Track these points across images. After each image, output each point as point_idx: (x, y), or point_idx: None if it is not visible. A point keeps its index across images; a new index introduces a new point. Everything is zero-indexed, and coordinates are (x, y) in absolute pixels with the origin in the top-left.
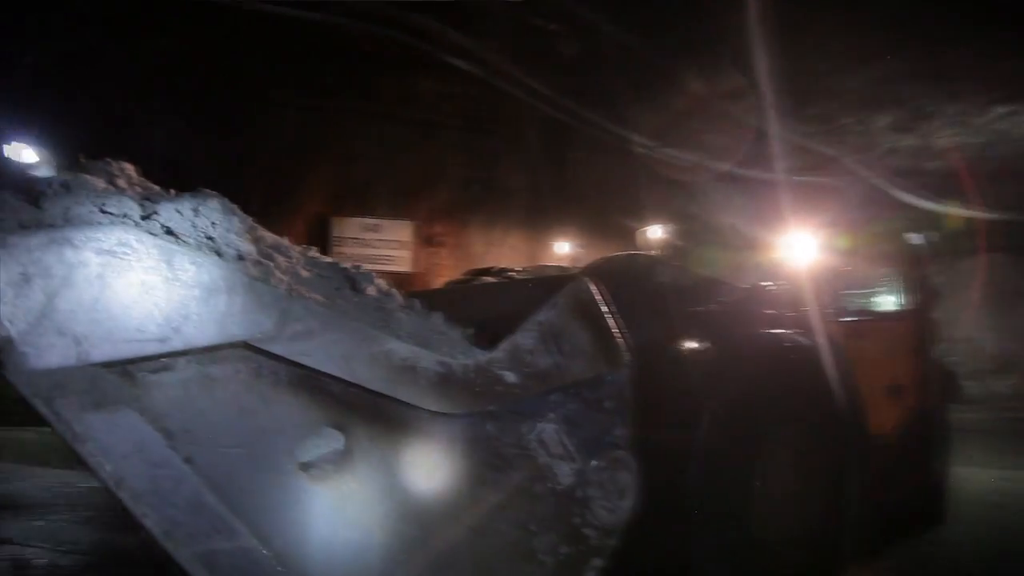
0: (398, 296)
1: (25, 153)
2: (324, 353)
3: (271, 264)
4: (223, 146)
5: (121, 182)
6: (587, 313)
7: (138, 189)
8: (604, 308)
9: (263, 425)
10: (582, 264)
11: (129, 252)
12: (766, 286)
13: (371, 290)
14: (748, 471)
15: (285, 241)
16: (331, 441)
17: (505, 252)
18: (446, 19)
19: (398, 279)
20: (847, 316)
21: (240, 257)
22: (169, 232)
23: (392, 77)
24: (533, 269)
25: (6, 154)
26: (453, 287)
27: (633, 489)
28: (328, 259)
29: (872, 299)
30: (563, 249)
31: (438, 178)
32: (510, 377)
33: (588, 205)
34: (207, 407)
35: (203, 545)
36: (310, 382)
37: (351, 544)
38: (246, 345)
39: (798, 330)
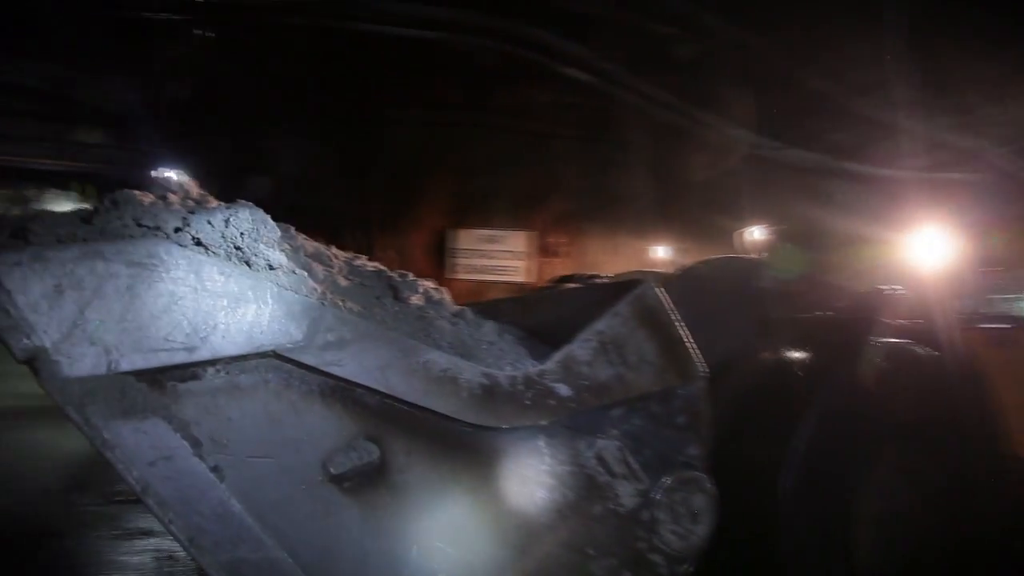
0: (449, 305)
1: (172, 177)
2: (357, 363)
3: (305, 274)
4: (346, 164)
5: (173, 196)
6: (654, 321)
7: (190, 203)
8: (673, 315)
9: (293, 435)
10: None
11: (158, 264)
12: (887, 290)
13: (415, 299)
14: (851, 493)
15: (331, 249)
16: (364, 453)
17: (622, 260)
18: (560, 30)
19: (515, 289)
20: (990, 322)
21: (270, 267)
22: (198, 243)
23: (507, 90)
24: (625, 275)
25: (157, 179)
26: (522, 296)
27: (709, 513)
28: (373, 267)
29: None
30: (662, 253)
31: (554, 188)
32: (563, 390)
33: (702, 210)
34: (235, 416)
35: (228, 554)
36: (343, 393)
37: (384, 561)
38: (275, 355)
39: (920, 338)
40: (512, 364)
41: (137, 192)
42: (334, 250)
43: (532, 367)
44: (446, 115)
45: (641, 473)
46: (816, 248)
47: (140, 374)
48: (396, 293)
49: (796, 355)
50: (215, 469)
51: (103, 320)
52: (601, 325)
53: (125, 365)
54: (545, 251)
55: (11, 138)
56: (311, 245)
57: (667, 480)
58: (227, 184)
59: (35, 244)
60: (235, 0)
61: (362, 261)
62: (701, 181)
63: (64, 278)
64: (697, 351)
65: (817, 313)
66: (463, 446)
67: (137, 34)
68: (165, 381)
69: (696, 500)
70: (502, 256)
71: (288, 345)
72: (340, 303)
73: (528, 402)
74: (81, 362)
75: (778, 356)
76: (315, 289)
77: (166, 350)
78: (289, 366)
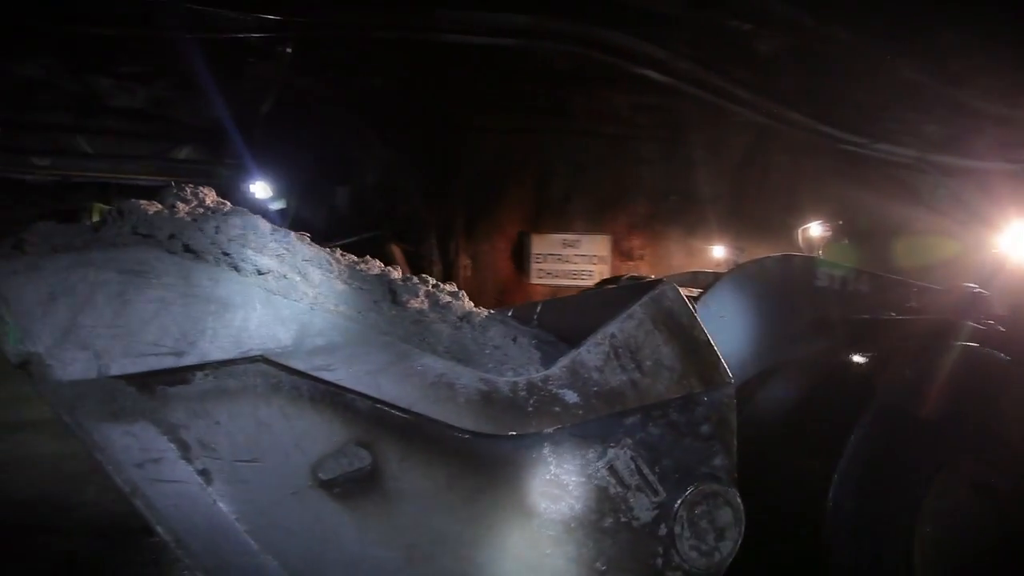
0: (457, 308)
1: (261, 189)
2: (347, 368)
3: (298, 278)
4: (429, 172)
5: (182, 205)
6: (673, 323)
7: (200, 211)
8: (695, 318)
9: (282, 440)
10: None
11: (148, 271)
12: (966, 290)
13: (414, 302)
14: (907, 516)
15: (334, 254)
16: (355, 459)
17: (699, 263)
18: (637, 32)
19: None
20: None
21: (259, 272)
22: (188, 250)
23: (586, 94)
24: (679, 276)
25: (249, 191)
26: (555, 300)
27: (736, 529)
28: (377, 271)
29: None
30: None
31: (635, 191)
32: (570, 396)
33: (783, 210)
34: (224, 420)
35: (216, 558)
36: (333, 398)
37: (376, 570)
38: (264, 359)
39: (999, 341)
40: (515, 369)
41: (144, 202)
42: (338, 254)
43: (536, 372)
44: (526, 121)
45: (658, 485)
46: (882, 245)
47: (130, 378)
48: (394, 297)
49: (855, 358)
50: (203, 472)
51: (94, 326)
52: (613, 328)
53: (115, 369)
54: (623, 255)
55: (119, 157)
56: (310, 250)
57: (688, 493)
58: (314, 194)
59: (31, 254)
60: (321, 19)
61: (366, 265)
62: (783, 180)
63: (57, 286)
64: (721, 356)
65: (883, 314)
66: (461, 454)
67: (230, 54)
68: (154, 385)
69: (721, 515)
70: (580, 260)
71: (277, 350)
72: (332, 308)
73: (531, 409)
74: (72, 366)
75: (835, 359)
76: (306, 294)
77: (155, 355)
78: (278, 371)
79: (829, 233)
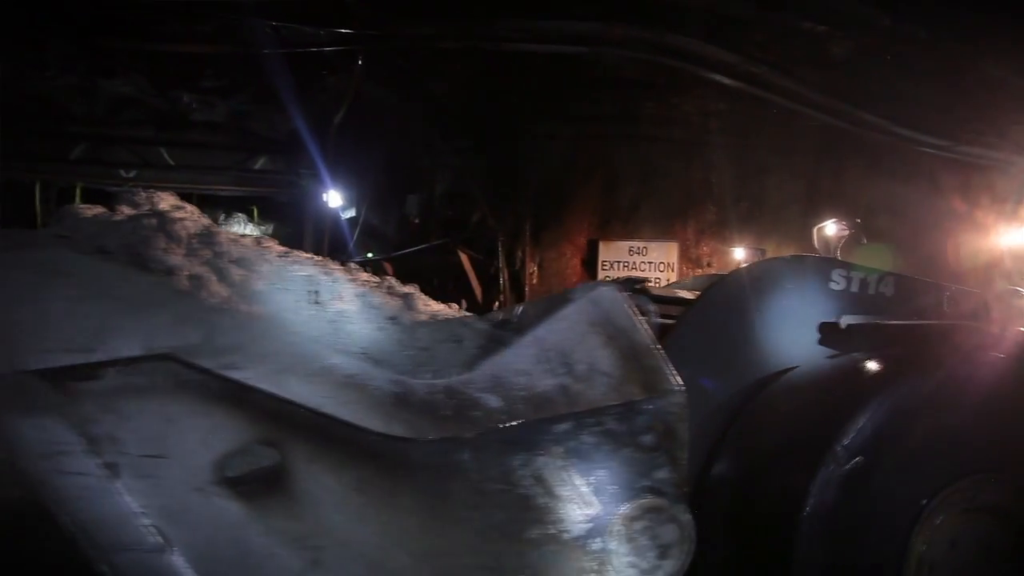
0: (388, 309)
1: (333, 198)
2: (255, 367)
3: (212, 278)
4: (497, 180)
5: (124, 208)
6: (611, 327)
7: (143, 215)
8: (636, 322)
9: (189, 436)
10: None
11: (62, 270)
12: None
13: (335, 303)
14: (897, 547)
15: (269, 254)
16: (261, 458)
17: None
18: (706, 36)
19: None
20: None
21: (168, 272)
22: (101, 251)
23: (654, 100)
24: (691, 280)
25: (324, 200)
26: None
27: (683, 548)
28: (309, 272)
29: None
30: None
31: (704, 197)
32: (492, 401)
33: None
34: (132, 416)
35: (120, 553)
36: (240, 396)
37: (280, 570)
38: (171, 357)
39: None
40: (435, 372)
41: (83, 206)
42: (273, 254)
43: (456, 376)
44: (593, 128)
45: (591, 497)
46: (905, 245)
47: (41, 373)
48: (316, 297)
49: (863, 365)
50: (110, 466)
51: (8, 322)
52: (542, 331)
53: (28, 365)
54: (691, 262)
55: (199, 168)
56: (239, 250)
57: (626, 507)
58: (384, 203)
59: None
60: (391, 31)
61: (300, 266)
62: (857, 184)
63: None
64: (667, 363)
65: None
66: (373, 456)
67: (305, 68)
68: (65, 381)
69: (665, 531)
70: (648, 268)
71: (184, 348)
72: (244, 307)
73: (448, 413)
74: None
75: (837, 367)
76: (218, 293)
77: (65, 351)
78: (186, 368)
79: (846, 232)
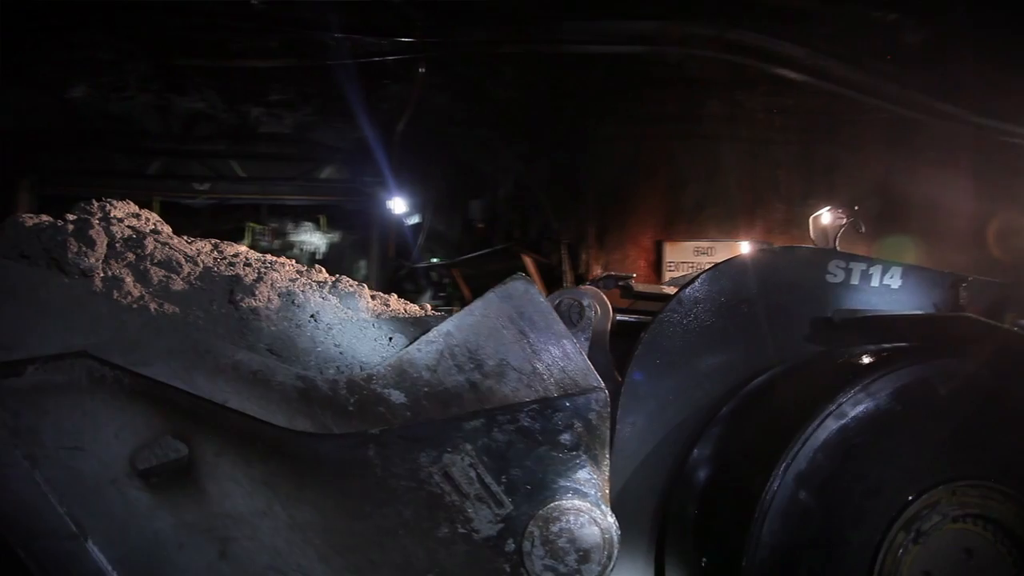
0: (309, 306)
1: (399, 204)
2: (163, 363)
3: (128, 279)
4: (560, 183)
5: (70, 217)
6: (524, 321)
7: (93, 224)
8: (552, 316)
9: (104, 430)
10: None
11: None
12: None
13: (248, 301)
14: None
15: (196, 256)
16: (170, 451)
17: None
18: (772, 30)
19: None
20: None
21: (83, 274)
22: (23, 255)
23: (717, 98)
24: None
25: (389, 207)
26: None
27: (605, 552)
28: (229, 274)
29: None
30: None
31: (771, 195)
32: (397, 396)
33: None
34: (51, 409)
35: (39, 542)
36: (151, 391)
37: (189, 561)
38: (86, 354)
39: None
40: (339, 367)
41: (27, 216)
42: (202, 257)
43: (359, 371)
44: (656, 128)
45: (503, 496)
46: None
47: None
48: (231, 296)
49: (856, 360)
50: (30, 458)
51: None
52: (448, 326)
53: None
54: None
55: (268, 179)
56: (164, 252)
57: (542, 507)
58: (448, 208)
59: None
60: (452, 38)
61: (223, 268)
62: (931, 177)
63: None
64: (586, 359)
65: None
66: (278, 450)
67: (368, 77)
68: None
69: (585, 534)
70: None
71: (98, 345)
72: (155, 306)
73: (351, 408)
74: None
75: (817, 364)
76: (131, 294)
77: None
78: (100, 365)
79: (843, 220)
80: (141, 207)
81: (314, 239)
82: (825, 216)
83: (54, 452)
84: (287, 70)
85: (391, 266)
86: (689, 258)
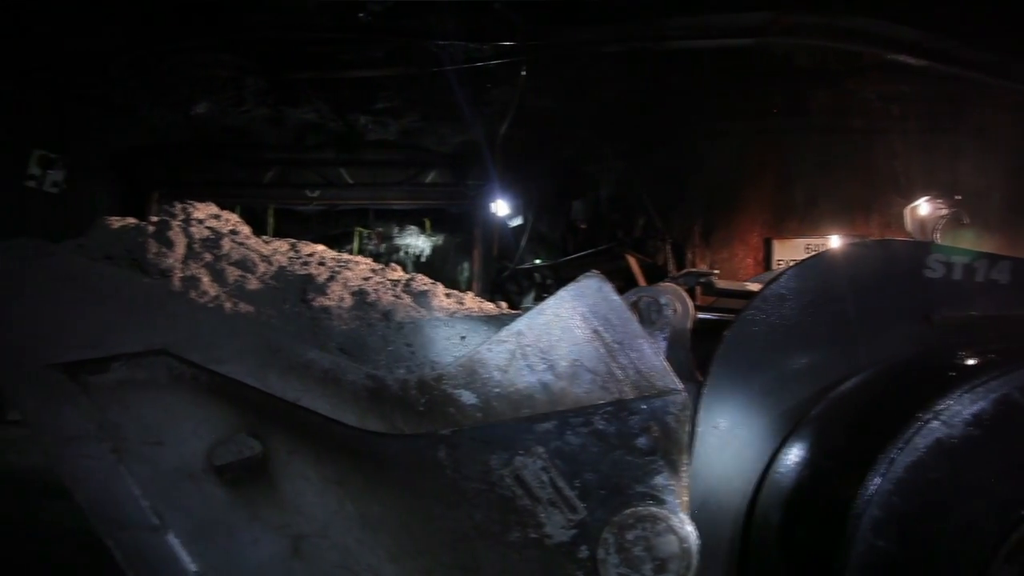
0: (383, 306)
1: (502, 207)
2: (237, 361)
3: (205, 278)
4: (664, 182)
5: (153, 219)
6: (598, 321)
7: (177, 227)
8: (627, 315)
9: (183, 426)
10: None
11: (75, 275)
12: None
13: (320, 300)
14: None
15: (272, 256)
16: (245, 448)
17: None
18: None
19: None
20: None
21: (162, 274)
22: (107, 257)
23: (828, 88)
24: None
25: (493, 209)
26: None
27: (683, 562)
28: (303, 273)
29: None
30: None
31: (889, 189)
32: (467, 397)
33: None
34: (133, 405)
35: (122, 530)
36: (227, 389)
37: (262, 556)
38: (166, 352)
39: None
40: (409, 367)
41: (114, 218)
42: (277, 256)
43: (430, 370)
44: (764, 122)
45: (576, 501)
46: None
47: (60, 366)
48: (303, 295)
49: (940, 364)
50: (115, 451)
51: (33, 321)
52: (520, 325)
53: (49, 359)
54: None
55: (375, 185)
56: (241, 252)
57: (617, 514)
58: (551, 210)
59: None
60: (552, 40)
61: (297, 267)
62: None
63: (5, 289)
64: (664, 360)
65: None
66: (349, 449)
67: (469, 83)
68: (79, 372)
69: (662, 543)
70: None
71: (176, 344)
72: (231, 306)
73: (422, 408)
74: (16, 355)
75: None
76: (207, 293)
77: (77, 347)
78: (179, 363)
79: (944, 212)
80: (257, 215)
81: (419, 242)
82: (923, 207)
83: (137, 446)
84: (393, 78)
85: (494, 268)
86: (800, 255)
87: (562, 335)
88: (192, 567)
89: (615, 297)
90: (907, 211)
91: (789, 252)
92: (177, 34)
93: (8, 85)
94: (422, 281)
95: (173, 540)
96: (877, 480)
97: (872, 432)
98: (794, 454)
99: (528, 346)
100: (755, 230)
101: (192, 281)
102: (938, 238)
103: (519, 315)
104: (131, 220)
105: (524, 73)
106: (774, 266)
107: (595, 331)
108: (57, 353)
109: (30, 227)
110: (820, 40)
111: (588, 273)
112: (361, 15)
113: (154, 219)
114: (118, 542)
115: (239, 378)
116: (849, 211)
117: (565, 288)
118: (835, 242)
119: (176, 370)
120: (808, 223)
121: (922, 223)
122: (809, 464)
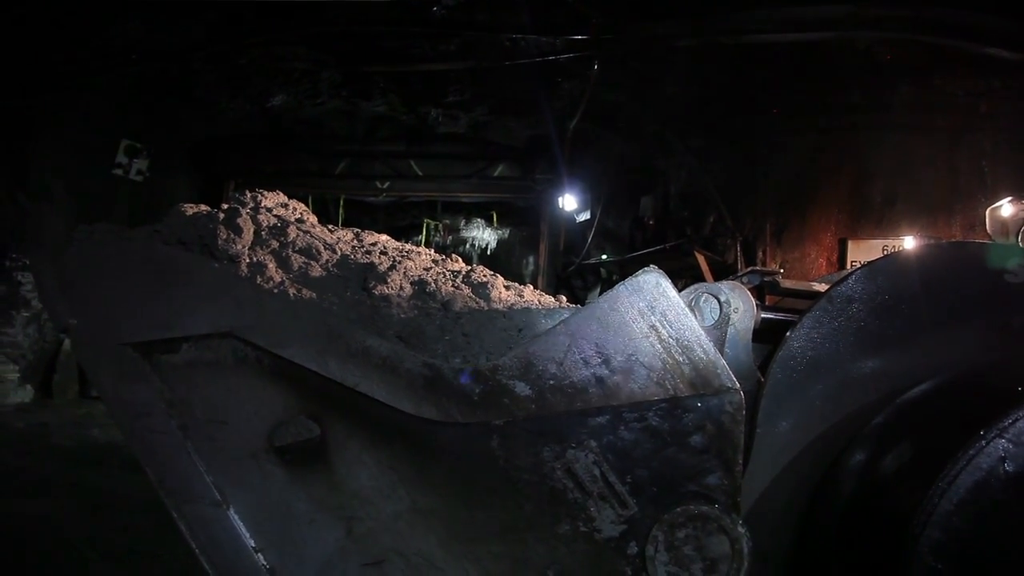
0: (442, 295)
1: (570, 201)
2: (299, 346)
3: (271, 264)
4: (735, 178)
5: (224, 206)
6: (654, 317)
7: (241, 214)
8: (684, 311)
9: (246, 406)
10: None
11: (150, 259)
12: None
13: (381, 288)
14: None
15: (336, 244)
16: (304, 430)
17: None
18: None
19: None
20: None
21: (231, 259)
22: (181, 242)
23: (911, 84)
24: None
25: (560, 204)
26: None
27: (734, 564)
28: (365, 261)
29: None
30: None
31: (974, 189)
32: (521, 388)
33: None
34: (201, 384)
35: (186, 503)
36: (291, 372)
37: (315, 535)
38: (232, 335)
39: None
40: (465, 357)
41: (189, 205)
42: (340, 245)
43: (485, 361)
44: (841, 119)
45: (627, 497)
46: None
47: (134, 345)
48: (364, 283)
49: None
50: (183, 427)
51: (111, 302)
52: (577, 319)
53: (124, 338)
54: None
55: (444, 177)
56: (306, 240)
57: (668, 512)
58: (619, 205)
59: (78, 245)
60: (625, 35)
61: (359, 255)
62: None
63: (82, 271)
64: (720, 358)
65: None
66: (404, 436)
67: (540, 76)
68: (152, 352)
69: (713, 543)
70: None
71: (242, 327)
72: (294, 292)
73: (476, 398)
74: (94, 334)
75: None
76: (273, 279)
77: (151, 327)
78: (244, 345)
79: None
80: (328, 205)
81: (485, 235)
82: (1005, 208)
83: (202, 424)
84: (463, 72)
85: (560, 262)
86: (873, 256)
87: (619, 330)
88: (251, 543)
89: (673, 293)
90: (988, 212)
91: (864, 253)
92: (256, 29)
93: (100, 79)
94: (482, 273)
95: (234, 516)
96: (937, 499)
97: (935, 446)
98: (854, 463)
99: (584, 340)
100: (829, 229)
101: (258, 267)
102: (1020, 241)
103: (577, 309)
104: (204, 207)
105: (596, 67)
106: (848, 267)
107: (652, 327)
108: (132, 333)
109: (116, 213)
110: (904, 33)
111: (647, 268)
112: (435, 8)
113: (225, 207)
114: (183, 515)
115: (300, 362)
116: (930, 212)
117: (623, 283)
118: (911, 244)
119: (241, 352)
120: (886, 224)
121: (1004, 225)
122: (869, 475)
